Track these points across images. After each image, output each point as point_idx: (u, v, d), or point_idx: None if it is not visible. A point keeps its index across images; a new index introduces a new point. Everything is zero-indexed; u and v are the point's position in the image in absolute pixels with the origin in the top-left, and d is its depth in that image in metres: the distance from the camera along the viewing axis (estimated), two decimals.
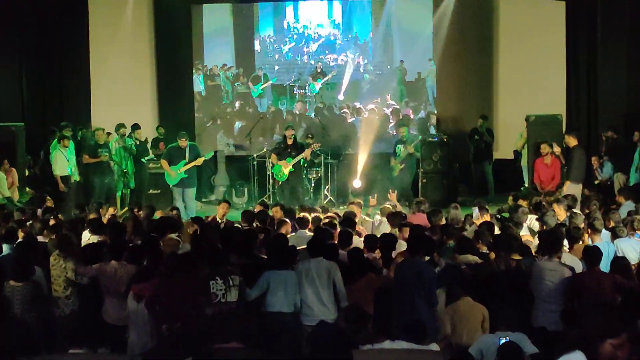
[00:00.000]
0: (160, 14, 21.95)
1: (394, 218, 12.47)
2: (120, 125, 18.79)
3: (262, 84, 21.77)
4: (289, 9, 21.62)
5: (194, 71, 21.87)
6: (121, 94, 21.05)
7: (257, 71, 21.75)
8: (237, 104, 21.93)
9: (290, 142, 17.83)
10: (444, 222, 12.22)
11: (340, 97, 21.57)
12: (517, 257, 9.98)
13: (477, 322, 8.72)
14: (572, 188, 15.36)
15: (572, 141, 16.12)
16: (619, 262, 9.69)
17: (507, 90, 21.11)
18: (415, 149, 18.64)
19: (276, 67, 21.82)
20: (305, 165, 18.33)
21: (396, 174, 18.59)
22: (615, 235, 10.98)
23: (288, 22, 21.62)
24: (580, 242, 10.74)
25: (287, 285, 9.50)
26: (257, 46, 21.66)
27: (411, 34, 21.34)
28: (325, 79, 21.58)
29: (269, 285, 9.47)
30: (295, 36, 21.63)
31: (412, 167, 18.84)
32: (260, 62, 21.72)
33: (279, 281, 9.48)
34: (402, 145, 18.74)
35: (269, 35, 21.70)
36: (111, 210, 14.36)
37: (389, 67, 21.59)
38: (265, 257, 10.36)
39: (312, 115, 21.58)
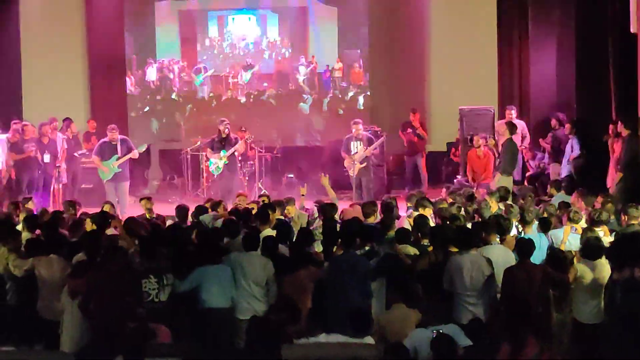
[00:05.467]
0: (91, 8, 21.77)
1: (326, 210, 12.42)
2: (52, 119, 18.59)
3: (202, 75, 22.94)
4: (229, 19, 23.41)
5: (151, 63, 23.04)
6: (53, 88, 20.85)
7: (198, 64, 23.07)
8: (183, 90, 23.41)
9: (224, 135, 17.74)
10: (378, 215, 12.24)
11: (265, 84, 23.27)
12: (454, 249, 10.01)
13: (411, 328, 8.54)
14: (503, 180, 15.49)
15: (506, 134, 16.27)
16: (555, 254, 9.79)
17: (440, 83, 21.25)
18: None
19: (214, 61, 23.34)
20: (240, 158, 18.29)
21: (355, 173, 17.63)
22: (546, 226, 11.13)
23: (225, 29, 23.41)
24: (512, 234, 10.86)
25: (221, 279, 9.46)
26: (199, 46, 23.30)
27: (320, 33, 23.03)
28: (254, 69, 22.91)
29: (201, 281, 9.43)
30: (230, 39, 23.45)
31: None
32: (202, 57, 23.36)
33: (212, 276, 9.43)
34: (359, 142, 17.76)
35: (212, 37, 23.44)
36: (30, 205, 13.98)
37: (302, 59, 23.12)
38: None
39: (243, 100, 22.71)
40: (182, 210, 12.79)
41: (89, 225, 11.67)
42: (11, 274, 10.03)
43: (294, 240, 10.95)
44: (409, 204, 13.18)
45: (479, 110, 18.04)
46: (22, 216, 12.58)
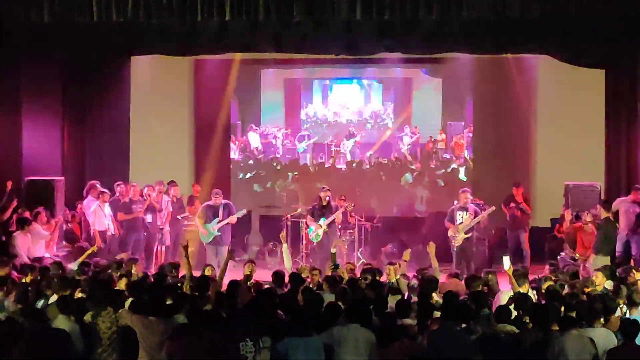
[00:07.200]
0: (200, 75, 22.29)
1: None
2: (158, 182, 18.89)
3: (305, 142, 23.51)
4: (334, 87, 23.92)
5: (255, 129, 23.78)
6: (159, 152, 21.32)
7: (301, 131, 23.65)
8: (286, 157, 23.80)
9: (324, 202, 17.77)
10: (480, 288, 12.06)
11: (368, 154, 23.55)
12: (556, 327, 9.74)
13: None
14: (598, 260, 15.11)
15: (602, 213, 16.02)
16: None
17: (545, 157, 21.07)
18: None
19: (317, 129, 23.88)
20: (340, 226, 18.31)
21: (459, 243, 17.48)
22: None
23: (329, 97, 23.96)
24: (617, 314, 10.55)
25: (308, 353, 9.14)
26: (303, 113, 23.84)
27: (423, 104, 23.41)
28: (356, 138, 23.39)
29: (287, 353, 9.11)
30: (334, 107, 23.95)
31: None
32: (305, 124, 23.96)
33: (300, 349, 9.11)
34: (465, 212, 17.62)
35: (316, 105, 24.00)
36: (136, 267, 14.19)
37: (406, 129, 23.47)
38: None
39: (344, 168, 23.10)
40: (278, 276, 12.79)
41: (187, 288, 11.76)
42: (117, 332, 10.12)
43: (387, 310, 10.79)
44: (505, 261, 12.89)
45: (585, 187, 17.76)
46: (124, 278, 12.70)
